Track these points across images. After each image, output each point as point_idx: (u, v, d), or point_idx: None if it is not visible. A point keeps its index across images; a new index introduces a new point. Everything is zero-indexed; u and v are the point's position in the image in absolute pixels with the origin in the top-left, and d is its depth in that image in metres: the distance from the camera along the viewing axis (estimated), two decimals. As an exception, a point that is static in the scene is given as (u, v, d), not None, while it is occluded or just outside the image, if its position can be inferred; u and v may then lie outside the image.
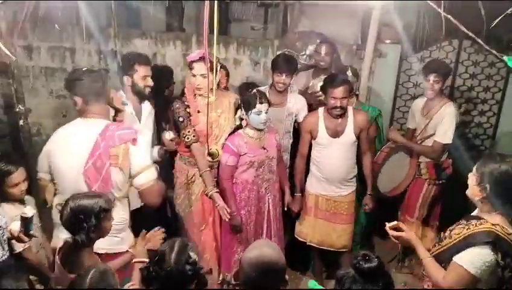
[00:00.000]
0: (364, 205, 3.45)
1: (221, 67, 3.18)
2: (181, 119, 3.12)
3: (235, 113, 3.25)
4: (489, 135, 5.03)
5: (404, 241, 2.22)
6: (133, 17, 4.99)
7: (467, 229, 2.06)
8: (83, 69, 2.51)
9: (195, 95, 3.15)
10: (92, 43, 4.56)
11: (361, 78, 3.91)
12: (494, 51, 2.06)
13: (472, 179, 2.11)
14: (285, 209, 3.43)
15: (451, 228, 2.19)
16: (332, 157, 3.31)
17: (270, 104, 3.09)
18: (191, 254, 1.85)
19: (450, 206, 3.49)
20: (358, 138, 3.33)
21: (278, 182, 3.39)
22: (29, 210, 2.19)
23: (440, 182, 3.66)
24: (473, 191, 2.10)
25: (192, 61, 3.03)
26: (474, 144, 5.07)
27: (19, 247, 2.39)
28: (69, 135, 2.45)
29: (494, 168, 2.00)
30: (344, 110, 3.21)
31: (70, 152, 2.39)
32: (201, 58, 2.96)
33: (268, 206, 3.33)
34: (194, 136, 3.12)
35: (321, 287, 2.08)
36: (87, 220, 2.05)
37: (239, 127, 3.20)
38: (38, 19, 3.90)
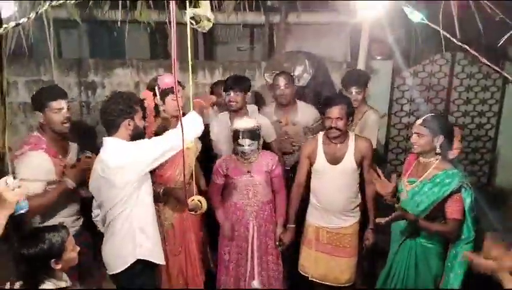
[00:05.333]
0: (365, 240, 3.19)
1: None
2: None
3: None
4: (489, 148, 4.87)
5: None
6: (116, 44, 4.83)
7: None
8: None
9: (156, 117, 2.99)
10: (71, 76, 4.39)
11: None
12: (486, 61, 1.89)
13: None
14: (277, 242, 3.20)
15: None
16: (331, 186, 3.06)
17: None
18: None
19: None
20: (360, 166, 3.07)
21: (270, 212, 3.20)
22: None
23: None
24: None
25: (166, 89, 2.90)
26: (474, 159, 4.90)
27: None
28: None
29: None
30: (340, 132, 2.98)
31: None
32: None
33: (253, 234, 3.16)
34: None
35: None
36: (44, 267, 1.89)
37: None
38: (12, 52, 3.73)
